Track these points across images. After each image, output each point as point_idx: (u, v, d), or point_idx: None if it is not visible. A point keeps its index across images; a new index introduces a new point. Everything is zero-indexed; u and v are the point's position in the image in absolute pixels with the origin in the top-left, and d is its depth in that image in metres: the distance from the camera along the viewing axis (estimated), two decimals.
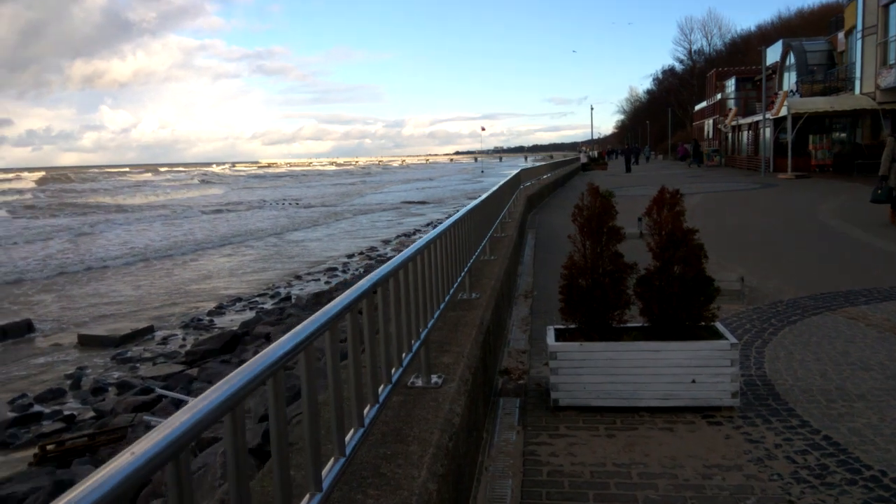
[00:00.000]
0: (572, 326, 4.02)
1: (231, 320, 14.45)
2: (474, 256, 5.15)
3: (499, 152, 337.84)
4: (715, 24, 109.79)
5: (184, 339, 13.26)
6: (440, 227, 3.71)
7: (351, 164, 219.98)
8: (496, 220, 7.91)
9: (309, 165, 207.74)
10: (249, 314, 14.84)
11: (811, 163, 29.19)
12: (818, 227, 12.08)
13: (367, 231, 29.41)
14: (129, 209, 44.99)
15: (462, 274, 4.41)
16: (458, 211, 4.87)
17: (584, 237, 4.00)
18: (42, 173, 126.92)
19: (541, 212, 17.94)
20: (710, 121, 55.42)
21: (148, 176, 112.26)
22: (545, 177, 27.10)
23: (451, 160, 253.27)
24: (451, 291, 3.73)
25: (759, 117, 33.95)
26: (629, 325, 4.02)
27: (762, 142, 33.54)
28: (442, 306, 3.43)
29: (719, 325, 3.93)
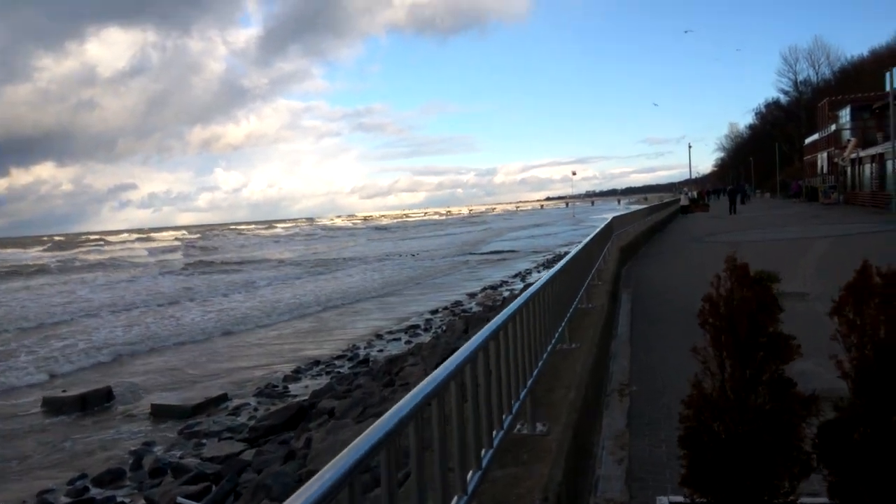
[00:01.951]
0: (699, 500, 2.37)
1: (305, 387, 13.96)
2: (544, 356, 3.59)
3: (591, 196, 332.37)
4: (822, 52, 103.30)
5: (255, 408, 12.76)
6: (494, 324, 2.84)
7: (440, 214, 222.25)
8: (581, 289, 6.28)
9: (404, 218, 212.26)
10: (324, 380, 14.27)
11: None
12: None
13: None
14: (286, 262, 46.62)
15: (522, 394, 2.91)
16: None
17: (721, 352, 2.37)
18: (183, 232, 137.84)
19: (637, 263, 15.96)
20: (824, 154, 50.95)
21: (265, 231, 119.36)
22: (642, 221, 24.95)
23: (542, 206, 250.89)
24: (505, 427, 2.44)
25: (882, 148, 30.35)
26: (805, 502, 2.32)
27: (890, 175, 29.84)
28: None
29: None
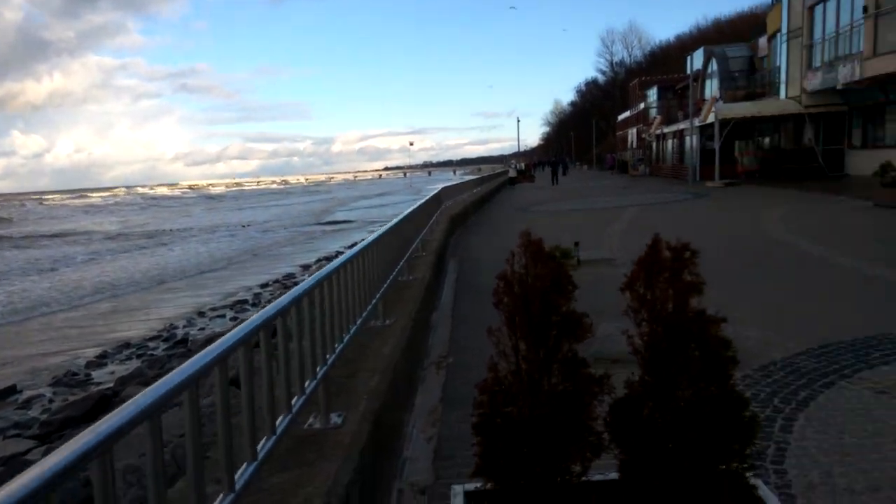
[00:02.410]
0: (495, 488, 2.23)
1: (111, 373, 12.45)
2: (345, 338, 3.29)
3: (428, 167, 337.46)
4: (635, 36, 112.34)
5: (50, 400, 11.21)
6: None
7: (277, 183, 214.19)
8: (401, 261, 6.07)
9: (236, 186, 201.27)
10: (134, 364, 12.94)
11: (738, 169, 28.85)
12: (773, 245, 10.81)
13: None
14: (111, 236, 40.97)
15: (311, 384, 2.59)
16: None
17: (515, 334, 2.21)
18: None
19: (467, 233, 16.24)
20: (634, 130, 55.66)
21: (77, 202, 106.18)
22: (473, 191, 25.55)
23: (381, 176, 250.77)
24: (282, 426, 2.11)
25: (683, 125, 33.64)
26: (596, 479, 2.25)
27: (688, 150, 33.19)
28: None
29: (761, 486, 2.18)
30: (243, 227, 44.33)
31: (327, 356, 2.86)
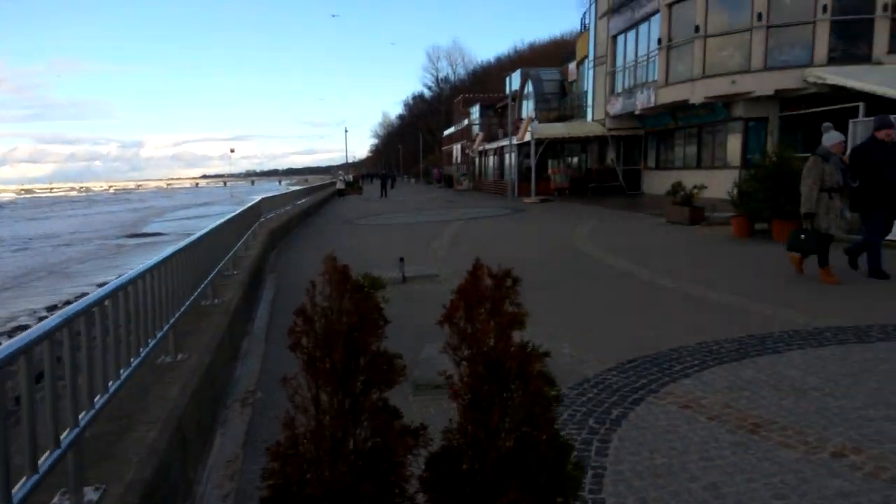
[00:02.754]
0: None
1: None
2: (114, 384, 2.69)
3: (251, 176, 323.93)
4: (459, 55, 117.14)
5: None
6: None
7: (76, 190, 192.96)
8: (205, 282, 5.40)
9: (25, 193, 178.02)
10: None
11: (551, 187, 30.80)
12: (584, 259, 11.44)
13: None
14: None
15: (54, 455, 2.00)
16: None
17: (316, 382, 1.83)
18: None
19: (289, 248, 15.48)
20: (459, 146, 57.64)
21: None
22: (298, 203, 24.64)
23: (198, 185, 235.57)
24: None
25: (504, 142, 35.31)
26: None
27: (508, 166, 34.88)
28: None
29: None
30: (36, 239, 39.06)
31: (82, 415, 2.27)
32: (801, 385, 4.53)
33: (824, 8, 18.83)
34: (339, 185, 44.04)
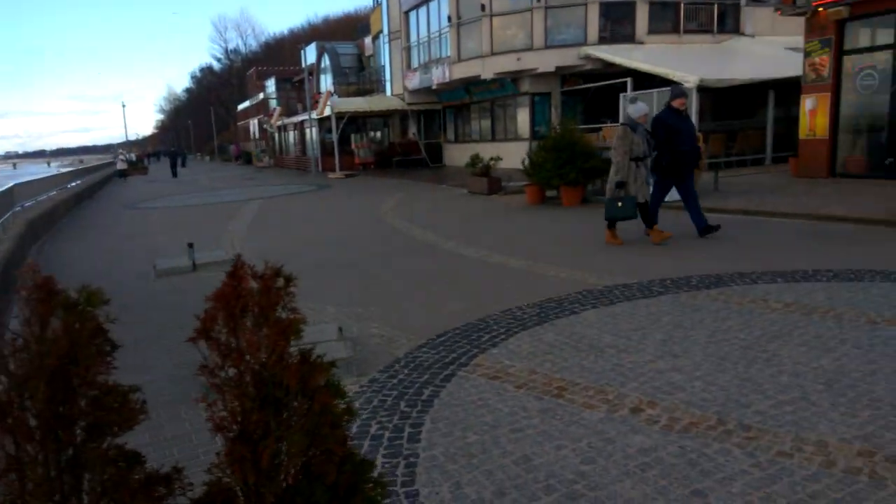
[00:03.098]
0: None
1: None
2: None
3: (12, 158, 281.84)
4: (249, 25, 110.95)
5: None
6: None
7: None
8: None
9: None
10: None
11: (356, 161, 30.41)
12: (391, 233, 11.27)
13: None
14: None
15: None
16: None
17: (14, 437, 1.31)
18: None
19: (57, 240, 13.45)
20: (256, 121, 54.78)
21: None
22: (69, 186, 21.64)
23: None
24: None
25: (304, 117, 34.09)
26: None
27: (309, 141, 33.79)
28: None
29: None
30: None
31: None
32: (598, 343, 4.70)
33: None
34: (120, 166, 39.53)
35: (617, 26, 21.39)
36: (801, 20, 15.91)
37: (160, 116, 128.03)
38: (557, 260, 7.74)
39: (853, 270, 6.17)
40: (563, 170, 12.19)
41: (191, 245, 8.96)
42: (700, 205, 8.53)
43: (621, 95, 18.70)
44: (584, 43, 20.75)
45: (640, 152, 8.05)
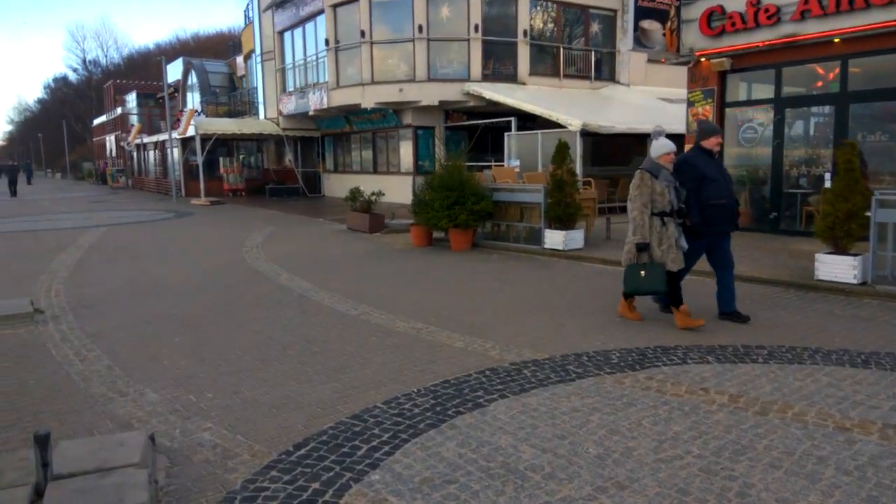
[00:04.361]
0: None
1: None
2: None
3: None
4: (111, 36, 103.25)
5: None
6: None
7: None
8: None
9: None
10: None
11: (224, 187, 28.05)
12: (253, 277, 9.62)
13: None
14: None
15: None
16: None
17: None
18: None
19: None
20: (113, 137, 50.10)
21: None
22: None
23: None
24: None
25: (166, 136, 31.17)
26: None
27: (171, 163, 30.92)
28: None
29: None
30: None
31: None
32: (516, 462, 3.49)
33: (476, 27, 19.91)
34: None
35: (500, 65, 21.05)
36: (676, 70, 16.05)
37: (9, 128, 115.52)
38: (452, 320, 6.53)
39: (787, 348, 5.43)
40: (452, 210, 11.14)
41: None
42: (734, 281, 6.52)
43: (506, 135, 18.26)
44: (468, 79, 20.17)
45: (666, 205, 5.97)
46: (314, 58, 23.45)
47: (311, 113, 24.07)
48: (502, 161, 18.30)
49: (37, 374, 5.16)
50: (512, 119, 18.46)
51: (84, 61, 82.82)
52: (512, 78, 20.76)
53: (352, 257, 11.20)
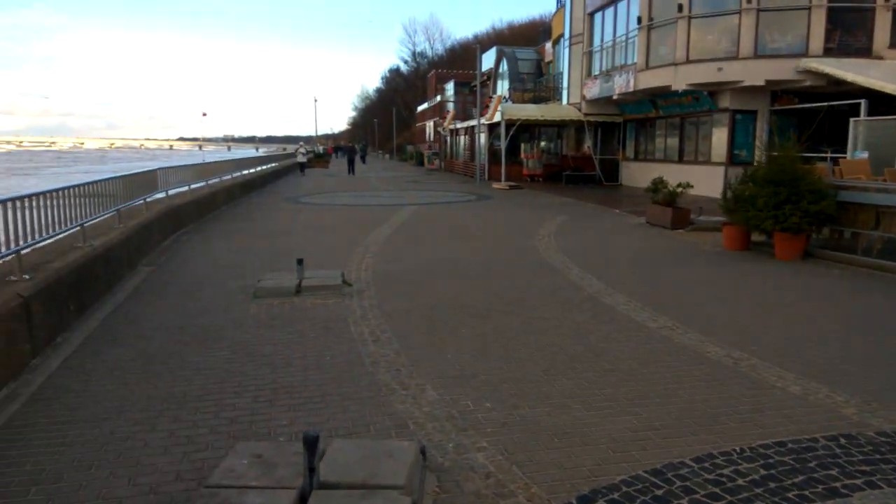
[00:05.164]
0: None
1: None
2: None
3: (228, 141, 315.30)
4: (436, 29, 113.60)
5: None
6: None
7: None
8: None
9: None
10: None
11: (524, 172, 28.51)
12: (543, 269, 9.18)
13: None
14: None
15: None
16: None
17: None
18: None
19: (200, 231, 12.95)
20: (431, 123, 54.93)
21: None
22: (243, 173, 21.99)
23: (171, 147, 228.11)
24: None
25: (474, 122, 32.87)
26: None
27: (478, 148, 32.52)
28: None
29: None
30: None
31: None
32: None
33: None
34: (300, 159, 40.75)
35: (848, 37, 17.45)
36: None
37: (353, 113, 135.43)
38: (782, 353, 5.20)
39: None
40: (781, 210, 9.30)
41: (300, 262, 7.54)
42: None
43: (851, 121, 15.01)
44: (805, 54, 17.10)
45: None
46: (623, 38, 22.26)
47: (614, 97, 22.99)
48: (841, 153, 15.15)
49: (333, 350, 5.30)
50: (861, 102, 15.13)
51: (413, 53, 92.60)
52: (864, 52, 17.12)
53: (650, 256, 10.09)
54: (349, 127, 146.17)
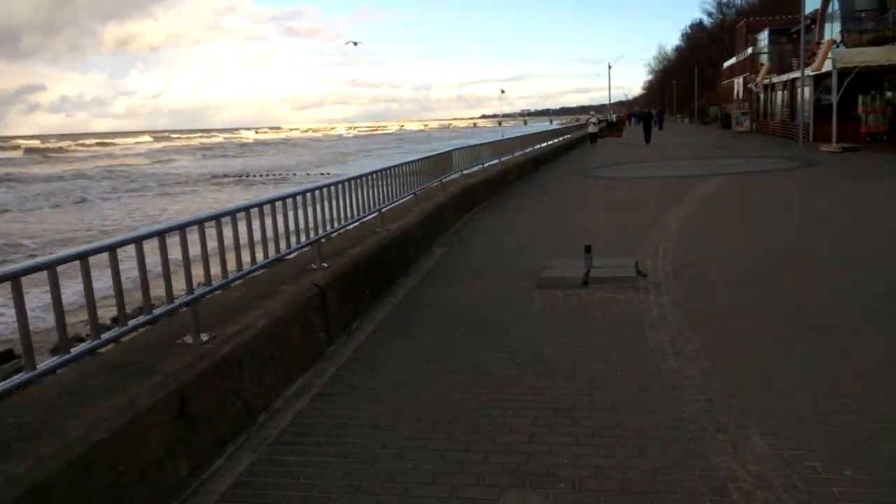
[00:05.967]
0: None
1: None
2: None
3: (524, 116, 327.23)
4: None
5: None
6: None
7: (359, 129, 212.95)
8: None
9: (331, 130, 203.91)
10: None
11: (861, 130, 23.64)
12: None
13: None
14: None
15: None
16: None
17: None
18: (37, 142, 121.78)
19: (493, 208, 13.02)
20: (740, 79, 49.09)
21: (156, 145, 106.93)
22: (535, 147, 21.99)
23: (475, 124, 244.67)
24: None
25: (796, 74, 28.20)
26: None
27: (800, 104, 27.90)
28: None
29: None
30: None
31: None
32: None
33: None
34: (591, 129, 39.57)
35: None
36: None
37: (649, 77, 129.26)
38: None
39: None
40: None
41: (588, 249, 6.81)
42: None
43: None
44: None
45: None
46: None
47: None
48: None
49: (624, 362, 4.50)
50: None
51: (719, 4, 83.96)
52: None
53: None
54: (644, 91, 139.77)
